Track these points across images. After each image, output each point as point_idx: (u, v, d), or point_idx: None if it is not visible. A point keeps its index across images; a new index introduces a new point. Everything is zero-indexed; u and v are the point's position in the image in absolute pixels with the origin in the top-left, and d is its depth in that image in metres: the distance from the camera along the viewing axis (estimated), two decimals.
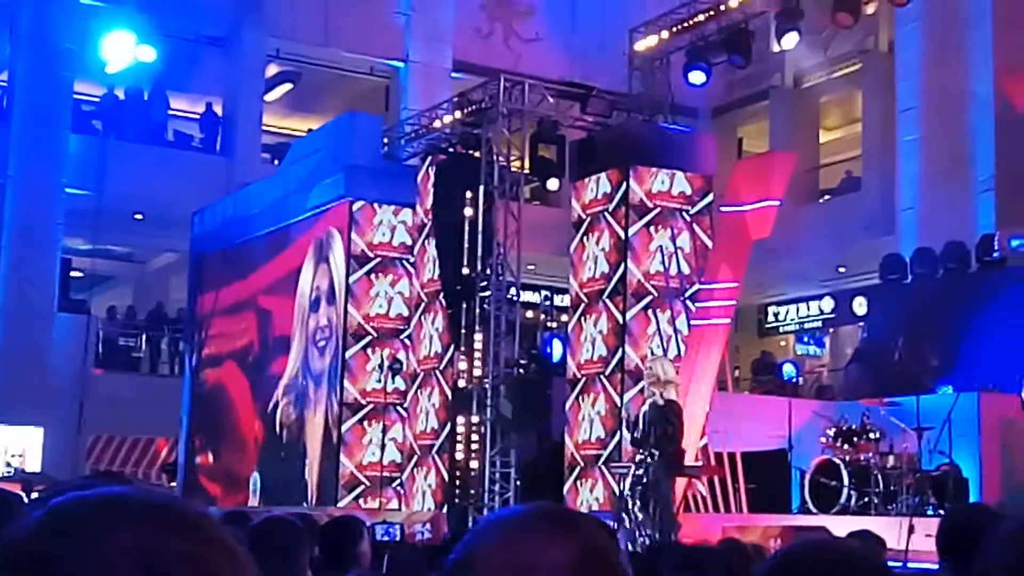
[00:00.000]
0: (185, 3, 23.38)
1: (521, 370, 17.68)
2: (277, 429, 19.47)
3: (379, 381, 17.35)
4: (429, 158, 17.88)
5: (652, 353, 15.10)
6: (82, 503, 0.87)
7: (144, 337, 25.32)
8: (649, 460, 11.43)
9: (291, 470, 18.80)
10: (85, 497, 0.88)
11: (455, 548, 1.35)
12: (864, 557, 1.99)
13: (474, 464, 16.18)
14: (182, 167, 23.81)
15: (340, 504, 16.81)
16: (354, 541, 5.14)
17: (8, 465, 21.30)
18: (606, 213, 15.84)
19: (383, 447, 17.12)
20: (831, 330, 26.60)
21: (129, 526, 0.85)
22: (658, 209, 15.68)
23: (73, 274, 25.01)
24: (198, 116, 25.67)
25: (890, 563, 8.51)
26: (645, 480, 11.47)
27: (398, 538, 11.69)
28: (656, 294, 15.42)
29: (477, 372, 16.46)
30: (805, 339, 27.21)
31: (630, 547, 10.67)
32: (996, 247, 16.94)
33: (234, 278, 21.33)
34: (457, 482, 16.27)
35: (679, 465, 11.82)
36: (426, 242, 17.64)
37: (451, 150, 17.68)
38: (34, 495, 11.48)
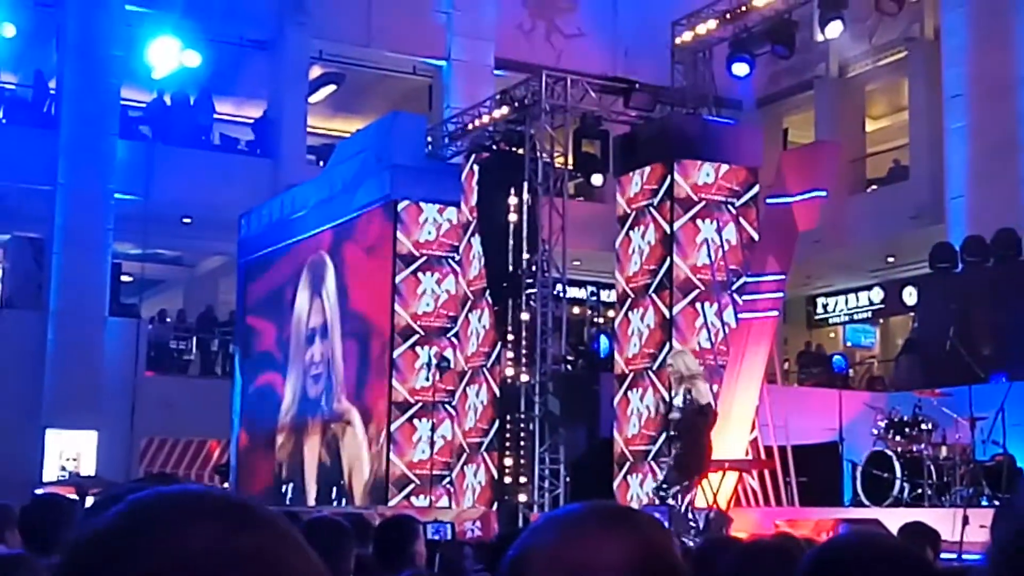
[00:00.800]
0: (229, 7, 23.54)
1: (568, 366, 17.68)
2: (276, 451, 20.54)
3: (427, 379, 17.40)
4: (473, 156, 17.90)
5: (700, 346, 15.04)
6: (160, 499, 0.91)
7: (195, 340, 25.55)
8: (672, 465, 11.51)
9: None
10: (163, 493, 0.92)
11: (512, 546, 1.35)
12: (904, 551, 1.97)
13: (523, 461, 16.18)
14: (228, 170, 23.99)
15: (391, 503, 16.88)
16: (410, 540, 5.14)
17: (63, 469, 21.55)
18: (651, 207, 15.79)
19: (432, 445, 17.16)
20: (881, 321, 26.38)
21: (204, 522, 0.88)
22: (703, 202, 15.60)
23: (123, 279, 25.30)
24: (247, 120, 25.86)
25: (944, 555, 8.42)
26: (665, 485, 11.54)
27: (449, 537, 11.71)
28: (703, 287, 15.35)
29: (524, 369, 16.46)
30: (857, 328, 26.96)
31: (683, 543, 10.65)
32: None
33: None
34: (506, 479, 16.28)
35: (695, 472, 11.84)
36: (471, 240, 17.66)
37: (495, 147, 17.69)
38: (89, 499, 11.62)
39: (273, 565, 0.89)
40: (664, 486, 11.65)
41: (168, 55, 21.93)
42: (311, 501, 19.10)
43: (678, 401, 11.76)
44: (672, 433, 11.68)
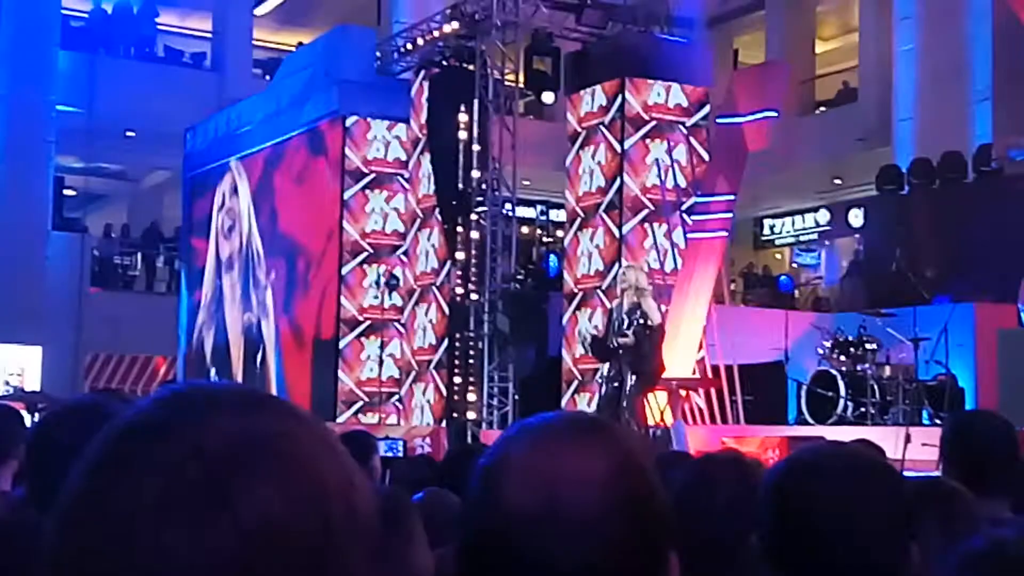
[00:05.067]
0: None
1: (518, 285, 17.69)
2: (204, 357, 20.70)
3: (376, 297, 17.36)
4: (423, 72, 17.70)
5: (649, 266, 15.10)
6: (198, 387, 0.97)
7: (140, 255, 25.32)
8: (625, 378, 11.56)
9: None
10: (202, 383, 0.98)
11: (485, 454, 1.33)
12: (871, 457, 2.00)
13: (472, 379, 16.24)
14: (173, 83, 23.62)
15: (340, 420, 16.91)
16: (368, 454, 5.14)
17: (7, 384, 21.38)
18: (602, 126, 15.73)
19: (381, 363, 17.17)
20: (827, 242, 26.61)
21: (229, 410, 0.93)
22: (655, 122, 15.56)
23: (67, 193, 24.94)
24: (192, 32, 25.41)
25: None
26: (620, 397, 11.61)
27: (402, 454, 11.75)
28: (653, 208, 15.37)
29: (474, 288, 16.46)
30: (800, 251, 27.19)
31: None
32: (993, 157, 16.87)
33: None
34: (455, 397, 16.34)
35: (653, 382, 12.02)
36: (421, 157, 17.54)
37: (445, 63, 17.49)
38: (37, 415, 11.51)
39: (297, 457, 0.92)
40: (620, 402, 11.69)
41: None
42: None
43: (625, 317, 11.80)
44: (621, 350, 11.72)
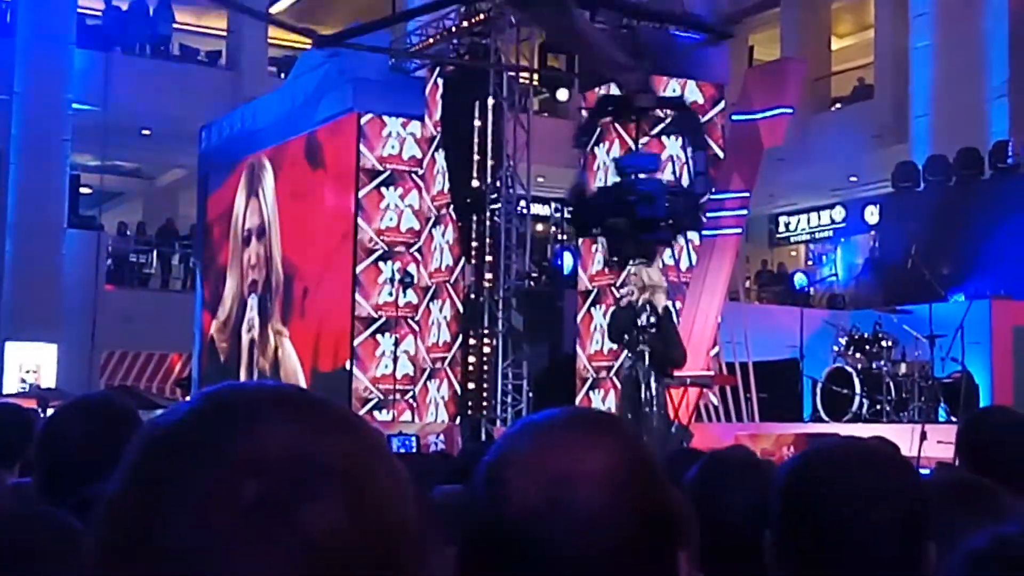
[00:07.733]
0: None
1: (532, 282, 17.69)
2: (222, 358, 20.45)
3: (390, 294, 17.36)
4: (437, 69, 17.70)
5: (663, 263, 15.07)
6: (242, 393, 0.90)
7: (155, 253, 25.38)
8: (638, 362, 11.52)
9: None
10: (244, 387, 0.91)
11: (489, 450, 1.31)
12: (886, 453, 1.98)
13: (486, 376, 16.23)
14: (188, 81, 23.66)
15: None
16: None
17: (23, 381, 21.45)
18: (616, 123, 15.70)
19: (395, 360, 17.18)
20: (842, 239, 26.53)
21: (287, 419, 0.87)
22: (669, 118, 15.52)
23: (82, 190, 25.01)
24: (208, 30, 25.47)
25: None
26: (640, 391, 11.56)
27: (414, 450, 11.77)
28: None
29: (488, 285, 16.44)
30: (822, 258, 27.09)
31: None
32: (1010, 153, 16.80)
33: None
34: (469, 395, 16.34)
35: (681, 364, 11.95)
36: (435, 155, 17.53)
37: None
38: (50, 411, 11.56)
39: (356, 465, 0.88)
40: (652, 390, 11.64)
41: None
42: None
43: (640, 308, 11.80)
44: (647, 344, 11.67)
